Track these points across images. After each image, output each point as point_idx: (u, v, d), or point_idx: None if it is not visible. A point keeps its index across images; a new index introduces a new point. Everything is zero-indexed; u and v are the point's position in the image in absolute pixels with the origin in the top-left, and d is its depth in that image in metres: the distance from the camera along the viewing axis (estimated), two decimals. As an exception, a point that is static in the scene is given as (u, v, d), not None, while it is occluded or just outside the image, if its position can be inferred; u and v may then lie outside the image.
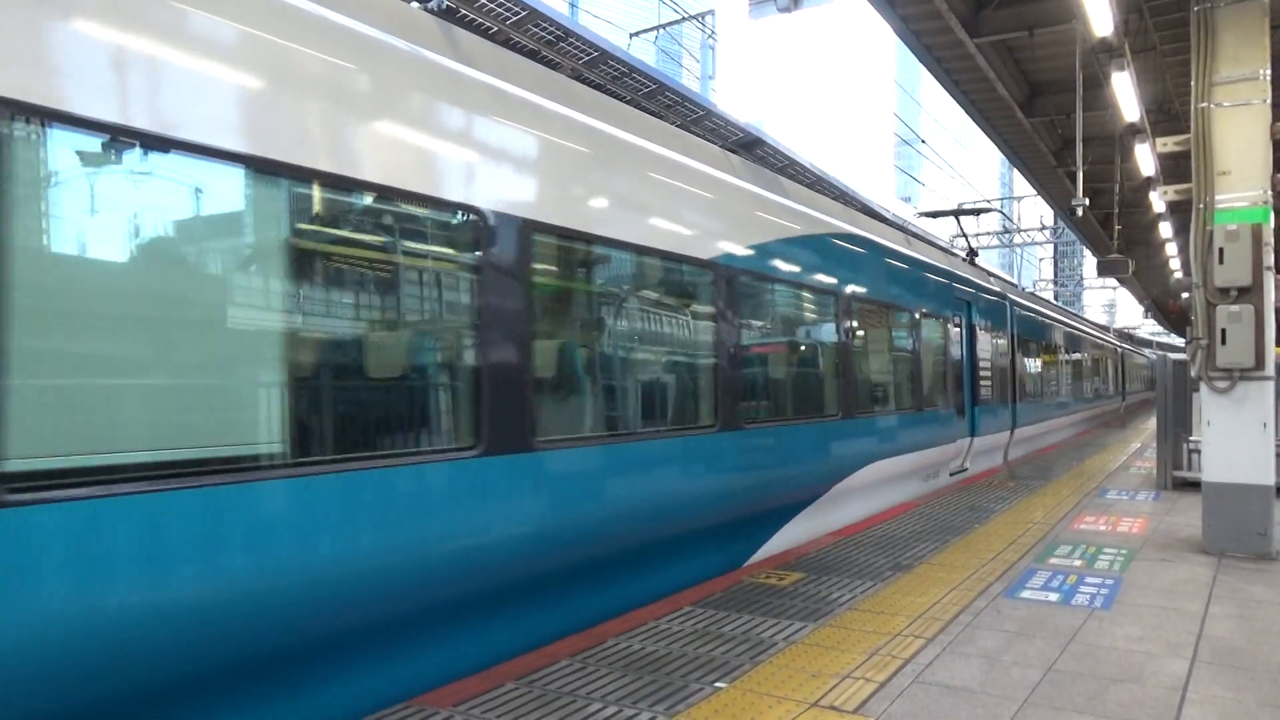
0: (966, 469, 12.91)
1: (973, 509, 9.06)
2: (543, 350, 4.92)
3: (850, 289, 8.79)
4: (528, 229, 4.69)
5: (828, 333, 8.55)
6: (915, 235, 16.99)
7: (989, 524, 8.17)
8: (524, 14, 11.15)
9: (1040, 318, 18.79)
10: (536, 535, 4.66)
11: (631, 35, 22.21)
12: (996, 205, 18.51)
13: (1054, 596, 5.57)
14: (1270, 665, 4.28)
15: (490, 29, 11.10)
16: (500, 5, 10.93)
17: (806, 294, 8.16)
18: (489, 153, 4.55)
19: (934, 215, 19.57)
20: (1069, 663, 4.30)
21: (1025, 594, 5.62)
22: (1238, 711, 3.70)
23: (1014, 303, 16.20)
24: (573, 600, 5.05)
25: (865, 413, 9.04)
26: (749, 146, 15.21)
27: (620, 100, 7.89)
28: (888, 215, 21.51)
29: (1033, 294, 30.85)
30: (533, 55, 11.41)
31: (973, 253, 17.91)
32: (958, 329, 12.70)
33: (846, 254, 8.88)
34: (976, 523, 8.22)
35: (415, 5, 6.04)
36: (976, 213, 19.23)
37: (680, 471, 6.03)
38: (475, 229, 4.43)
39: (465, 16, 10.70)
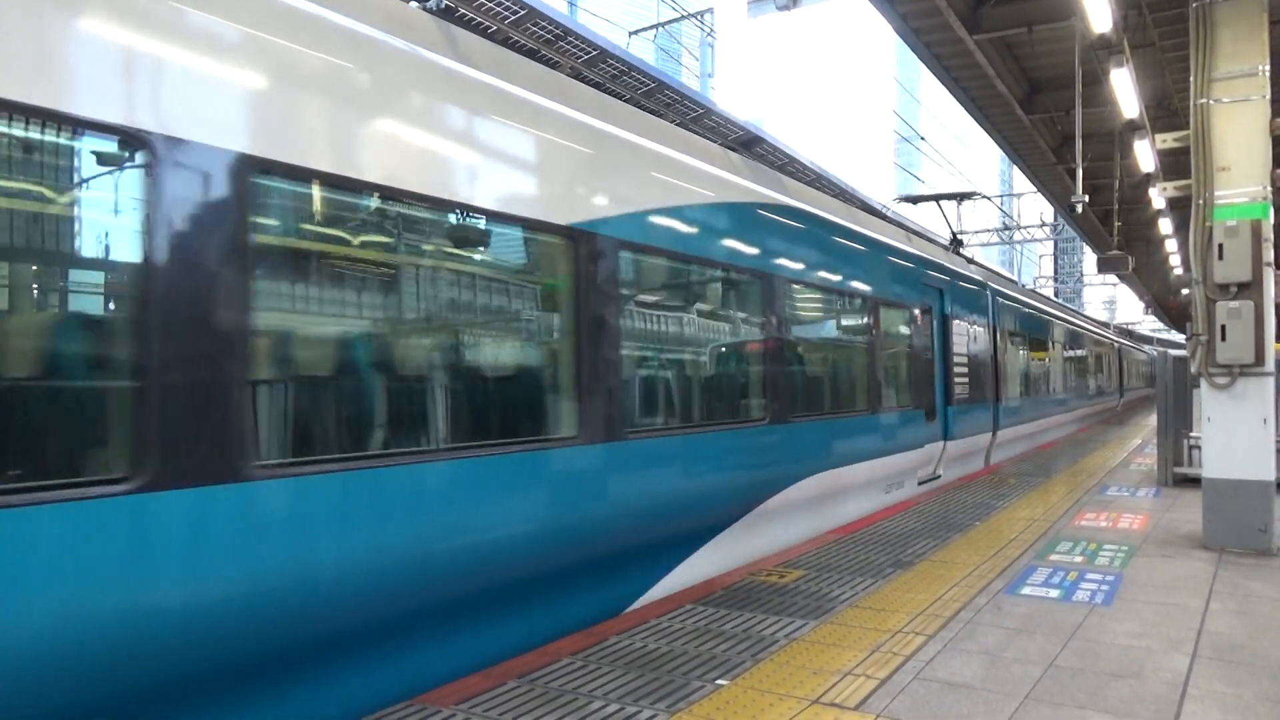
0: (939, 476, 11.56)
1: (973, 506, 9.07)
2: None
3: (783, 269, 7.40)
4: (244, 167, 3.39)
5: (751, 321, 7.15)
6: (912, 231, 16.92)
7: (990, 520, 8.17)
8: (523, 12, 11.15)
9: (1027, 310, 17.46)
10: None
11: (631, 33, 22.21)
12: (984, 194, 16.76)
13: (1055, 593, 5.58)
14: (1271, 661, 4.28)
15: (489, 28, 11.11)
16: (499, 4, 10.94)
17: (719, 273, 6.77)
18: None
19: (914, 200, 17.86)
20: (1070, 659, 4.30)
21: (1026, 590, 5.63)
22: (1238, 706, 3.70)
23: (997, 293, 14.83)
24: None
25: (802, 417, 7.63)
26: (748, 144, 15.21)
27: (620, 99, 7.78)
28: (888, 212, 21.50)
29: (1027, 288, 29.35)
30: (532, 54, 11.41)
31: (956, 240, 16.36)
32: (927, 320, 11.24)
33: (778, 228, 7.49)
34: (977, 519, 8.23)
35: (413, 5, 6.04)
36: (958, 198, 16.62)
37: (521, 497, 4.62)
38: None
39: (464, 15, 10.71)
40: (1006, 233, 35.12)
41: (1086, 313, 52.61)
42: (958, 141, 69.79)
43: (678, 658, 4.29)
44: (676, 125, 7.83)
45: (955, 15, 12.16)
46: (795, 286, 7.73)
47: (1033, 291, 23.13)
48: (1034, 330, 18.00)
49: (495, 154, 4.68)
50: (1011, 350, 15.57)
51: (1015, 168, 21.62)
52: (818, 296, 8.50)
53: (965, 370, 12.83)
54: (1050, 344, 19.47)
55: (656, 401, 6.09)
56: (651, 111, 12.84)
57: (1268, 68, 6.88)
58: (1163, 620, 4.98)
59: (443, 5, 9.83)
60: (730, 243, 6.75)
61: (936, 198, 16.49)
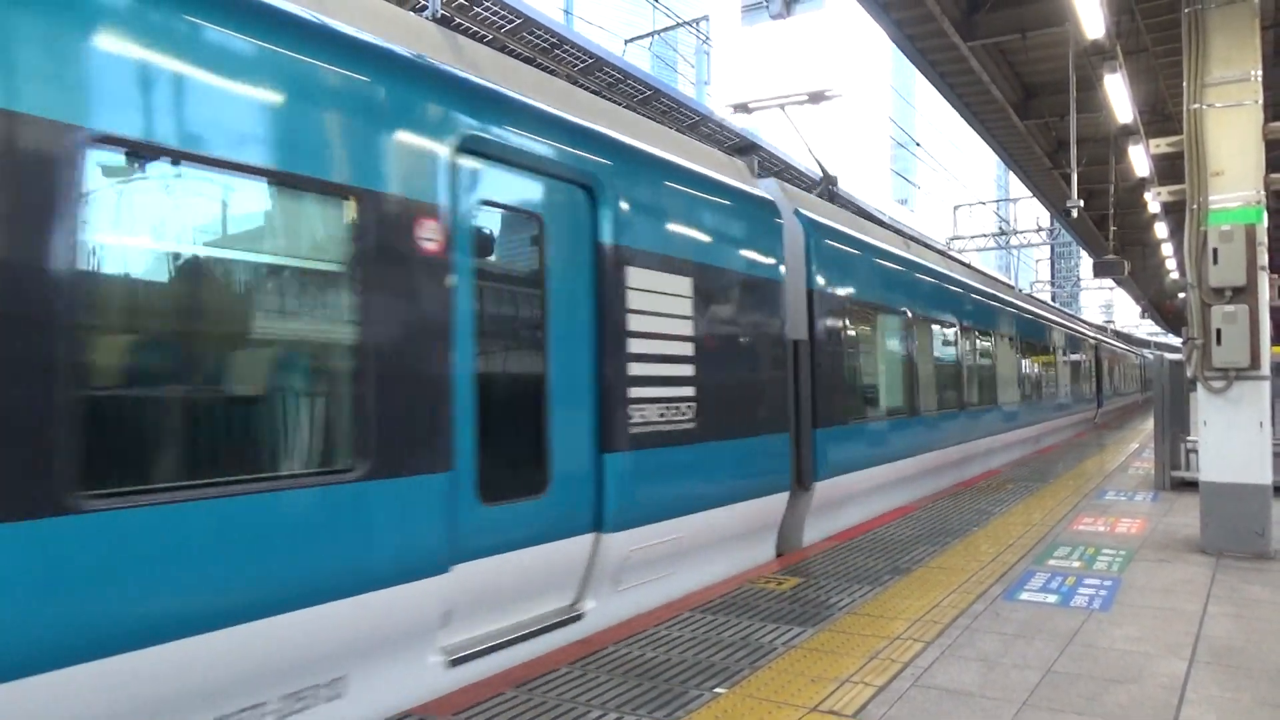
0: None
1: (971, 512, 9.06)
2: None
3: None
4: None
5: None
6: (904, 231, 16.90)
7: (987, 526, 8.17)
8: (519, 21, 11.20)
9: (899, 271, 10.70)
10: None
11: (626, 41, 22.26)
12: (838, 93, 10.31)
13: (1052, 598, 5.58)
14: (1269, 665, 4.28)
15: (486, 36, 11.15)
16: (496, 13, 10.98)
17: None
18: None
19: (746, 109, 11.16)
20: (1068, 664, 4.30)
21: (1024, 596, 5.63)
22: (1236, 711, 3.70)
23: (816, 229, 8.16)
24: None
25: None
26: (744, 151, 15.25)
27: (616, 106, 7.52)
28: (883, 215, 21.52)
29: (937, 248, 22.61)
30: (529, 62, 11.44)
31: (829, 180, 11.46)
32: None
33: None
34: (975, 525, 8.22)
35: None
36: (809, 98, 10.32)
37: None
38: None
39: (461, 25, 10.75)
40: (1003, 237, 35.21)
41: (1074, 310, 52.59)
42: (954, 147, 70.00)
43: (675, 666, 4.29)
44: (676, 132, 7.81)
45: (950, 22, 12.22)
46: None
47: (942, 255, 15.28)
48: (968, 318, 12.27)
49: None
50: (856, 337, 9.13)
51: (1011, 173, 21.69)
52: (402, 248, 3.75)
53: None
54: (964, 333, 12.72)
55: None
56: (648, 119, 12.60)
57: (1260, 73, 6.92)
58: (1161, 625, 4.98)
59: (438, 14, 9.86)
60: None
61: (780, 102, 10.49)
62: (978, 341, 13.49)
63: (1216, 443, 6.91)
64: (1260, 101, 6.92)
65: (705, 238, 6.21)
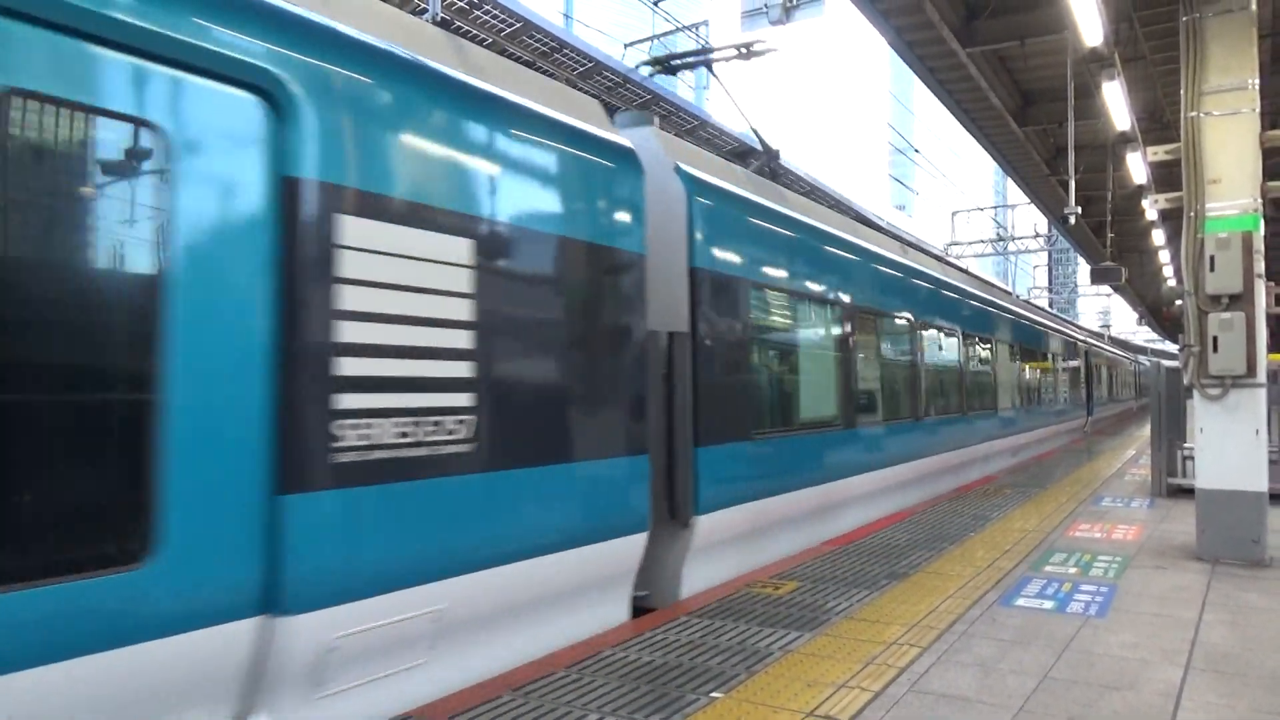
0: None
1: (967, 517, 9.07)
2: None
3: None
4: None
5: None
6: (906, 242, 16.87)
7: (984, 532, 8.18)
8: (519, 25, 11.23)
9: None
10: None
11: (626, 45, 22.28)
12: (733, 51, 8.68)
13: (1049, 604, 5.58)
14: (1264, 671, 4.29)
15: (486, 40, 11.17)
16: (496, 17, 11.00)
17: None
18: None
19: (670, 69, 9.38)
20: (1064, 670, 4.31)
21: (1020, 602, 5.63)
22: (1231, 718, 3.71)
23: (703, 191, 6.46)
24: None
25: None
26: (743, 156, 15.27)
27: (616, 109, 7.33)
28: (879, 218, 21.54)
29: (894, 232, 18.97)
30: (529, 66, 11.46)
31: (770, 154, 9.77)
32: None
33: None
34: (971, 531, 8.23)
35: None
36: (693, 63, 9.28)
37: None
38: None
39: (461, 28, 10.77)
40: (1001, 244, 35.26)
41: (1069, 314, 52.63)
42: (952, 154, 70.13)
43: (672, 670, 4.29)
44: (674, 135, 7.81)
45: (948, 29, 12.26)
46: None
47: (907, 246, 12.95)
48: (861, 297, 9.26)
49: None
50: (764, 331, 7.30)
51: (1009, 180, 21.74)
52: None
53: (457, 377, 4.44)
54: (915, 330, 10.81)
55: None
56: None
57: (1257, 81, 6.95)
58: (1157, 631, 4.98)
59: (439, 18, 9.88)
60: None
61: (707, 60, 9.14)
62: (935, 340, 11.61)
63: (1213, 450, 6.92)
64: (1257, 109, 6.95)
65: (499, 186, 4.46)
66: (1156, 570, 6.58)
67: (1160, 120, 14.85)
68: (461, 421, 4.12)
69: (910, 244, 17.22)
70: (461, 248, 4.18)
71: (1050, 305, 50.51)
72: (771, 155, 9.68)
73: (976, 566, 6.65)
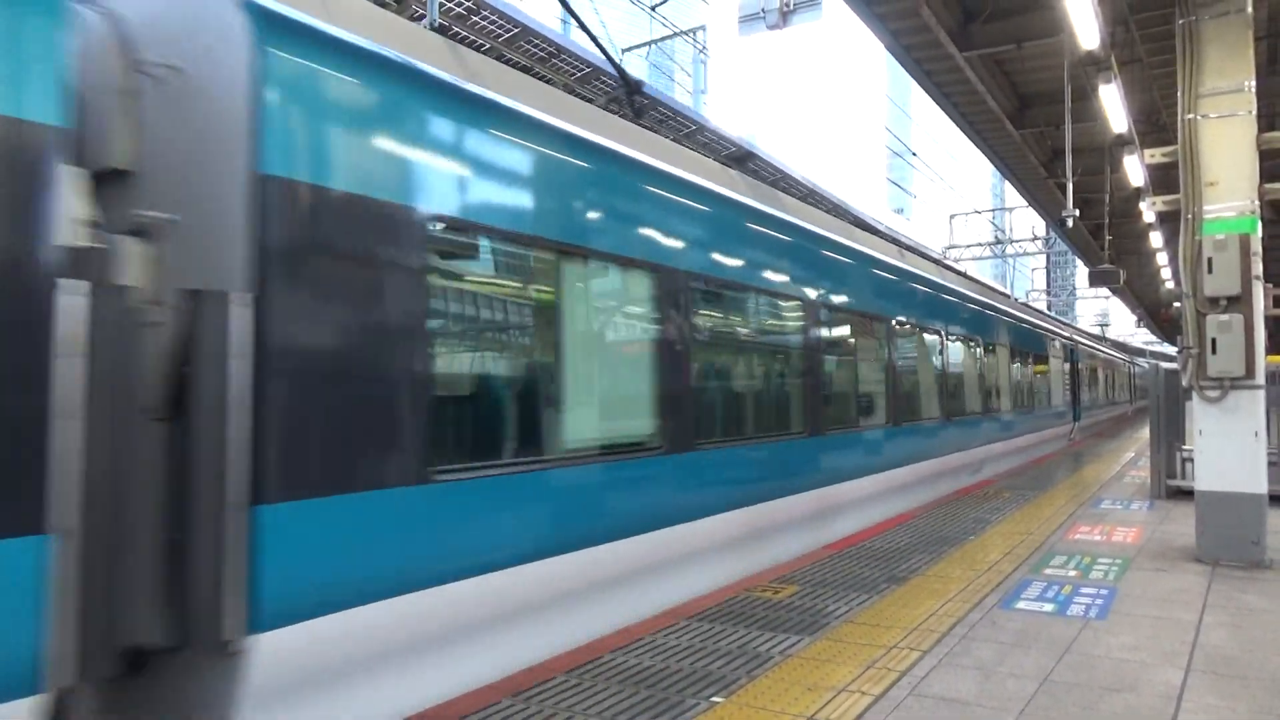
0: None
1: (967, 520, 9.06)
2: None
3: None
4: None
5: None
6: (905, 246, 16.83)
7: (984, 535, 8.17)
8: (516, 31, 11.23)
9: (775, 231, 7.47)
10: None
11: (624, 50, 22.32)
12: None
13: (1049, 607, 5.58)
14: (1264, 673, 4.29)
15: (483, 45, 11.18)
16: (493, 23, 11.01)
17: None
18: None
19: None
20: (1064, 673, 4.30)
21: (1020, 605, 5.63)
22: (1232, 720, 3.71)
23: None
24: None
25: None
26: (741, 160, 15.27)
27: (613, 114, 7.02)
28: (861, 211, 21.53)
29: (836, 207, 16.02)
30: (526, 72, 11.47)
31: (631, 85, 8.36)
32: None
33: None
34: (971, 534, 8.22)
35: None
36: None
37: None
38: None
39: (459, 34, 10.78)
40: (999, 246, 35.29)
41: (1067, 314, 52.37)
42: (950, 157, 70.21)
43: (672, 674, 4.28)
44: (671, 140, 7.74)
45: (945, 32, 12.27)
46: None
47: (846, 222, 11.40)
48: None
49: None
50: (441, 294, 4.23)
51: (1007, 182, 21.77)
52: None
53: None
54: (809, 311, 7.82)
55: None
56: (647, 129, 12.31)
57: (1253, 84, 6.96)
58: (1157, 634, 4.98)
59: (436, 24, 9.89)
60: None
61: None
62: (850, 328, 8.89)
63: (1212, 452, 6.92)
64: (1254, 112, 6.96)
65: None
66: (1157, 572, 6.57)
67: (1157, 123, 14.87)
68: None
69: (909, 248, 17.14)
70: None
71: (1049, 308, 50.51)
72: (633, 87, 8.07)
73: (976, 569, 6.64)
